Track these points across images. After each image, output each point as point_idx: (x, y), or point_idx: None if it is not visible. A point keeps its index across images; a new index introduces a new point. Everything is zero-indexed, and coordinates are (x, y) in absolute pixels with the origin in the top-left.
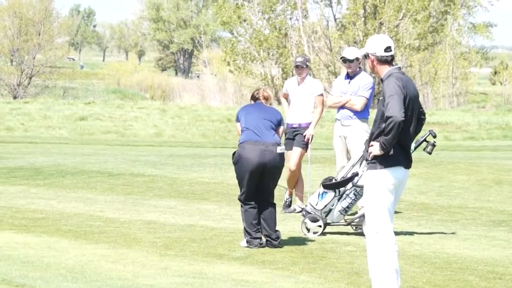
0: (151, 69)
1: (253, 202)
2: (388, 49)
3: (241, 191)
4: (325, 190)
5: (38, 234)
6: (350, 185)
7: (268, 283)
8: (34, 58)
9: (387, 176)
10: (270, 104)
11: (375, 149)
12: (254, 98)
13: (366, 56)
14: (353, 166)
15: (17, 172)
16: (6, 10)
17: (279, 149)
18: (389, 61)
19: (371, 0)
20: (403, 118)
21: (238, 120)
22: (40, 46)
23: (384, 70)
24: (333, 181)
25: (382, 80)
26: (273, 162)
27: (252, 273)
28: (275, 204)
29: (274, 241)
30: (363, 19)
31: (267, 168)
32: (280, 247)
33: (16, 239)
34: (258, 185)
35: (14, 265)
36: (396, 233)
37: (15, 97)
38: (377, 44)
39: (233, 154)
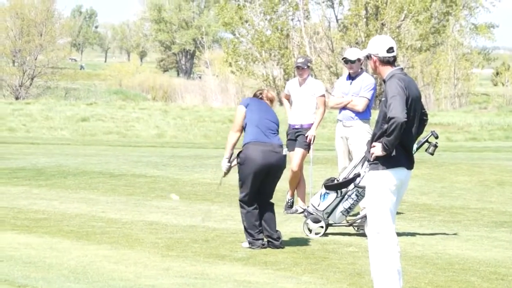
0: (152, 70)
1: (255, 204)
2: (390, 50)
3: (243, 192)
4: (327, 191)
5: (40, 235)
6: (352, 186)
7: (270, 284)
8: (36, 59)
9: (389, 177)
10: (272, 107)
11: (377, 150)
12: (256, 98)
13: (368, 57)
14: (355, 167)
15: (19, 173)
16: (8, 11)
17: (284, 151)
18: (391, 62)
19: (373, 1)
20: (406, 119)
21: (245, 106)
22: (42, 47)
23: (386, 71)
24: (335, 182)
25: (384, 81)
26: (279, 163)
27: (254, 274)
28: (274, 204)
29: (276, 241)
30: (365, 20)
31: (272, 170)
32: (282, 248)
33: (18, 240)
34: (259, 186)
35: (16, 266)
36: (398, 234)
37: (17, 98)
38: (379, 45)
39: (238, 154)
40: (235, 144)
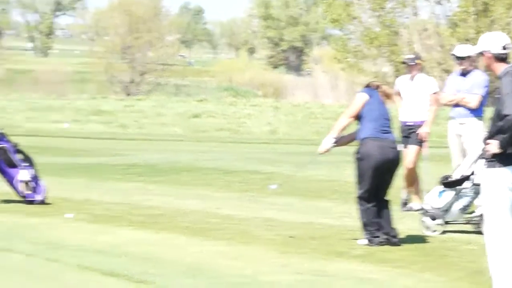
0: (262, 66)
1: (374, 200)
2: (505, 46)
3: (361, 188)
4: (444, 189)
5: (156, 231)
6: (468, 183)
7: (389, 281)
8: (145, 56)
9: (506, 174)
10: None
11: (493, 147)
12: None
13: (481, 53)
14: (470, 164)
15: (133, 169)
16: (117, 8)
17: (399, 147)
18: (505, 59)
19: None
20: None
21: (368, 96)
22: (151, 44)
23: (500, 68)
24: (450, 179)
25: (498, 78)
26: (396, 159)
27: (372, 271)
28: (390, 201)
29: (393, 238)
30: (474, 16)
31: (390, 165)
32: (399, 245)
33: (135, 236)
34: (377, 183)
35: (134, 262)
36: None
37: (128, 94)
38: (493, 42)
39: (357, 151)
40: (344, 128)
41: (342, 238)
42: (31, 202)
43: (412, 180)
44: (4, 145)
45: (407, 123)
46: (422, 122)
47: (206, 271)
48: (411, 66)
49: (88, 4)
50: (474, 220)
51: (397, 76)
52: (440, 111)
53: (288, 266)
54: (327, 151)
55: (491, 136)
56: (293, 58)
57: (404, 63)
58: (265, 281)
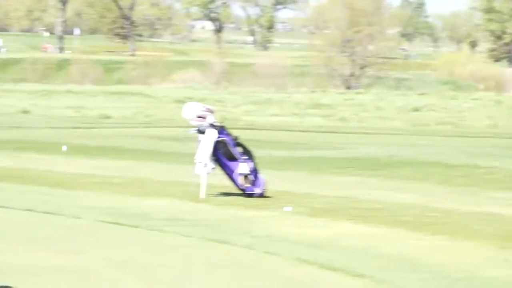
0: (483, 59)
1: None
2: None
3: None
4: None
5: (376, 225)
6: None
7: None
8: (365, 49)
9: None
10: None
11: None
12: None
13: None
14: None
15: (353, 163)
16: (338, 2)
17: None
18: None
19: None
20: None
21: None
22: (372, 37)
23: None
24: None
25: None
26: None
27: None
28: None
29: None
30: None
31: None
32: None
33: (355, 229)
34: None
35: (354, 255)
36: None
37: (347, 88)
38: None
39: None
40: None
41: None
42: (250, 195)
43: None
44: (224, 138)
45: None
46: None
47: (426, 265)
48: None
49: None
50: None
51: None
52: None
53: (509, 261)
54: None
55: None
56: None
57: None
58: (485, 277)
